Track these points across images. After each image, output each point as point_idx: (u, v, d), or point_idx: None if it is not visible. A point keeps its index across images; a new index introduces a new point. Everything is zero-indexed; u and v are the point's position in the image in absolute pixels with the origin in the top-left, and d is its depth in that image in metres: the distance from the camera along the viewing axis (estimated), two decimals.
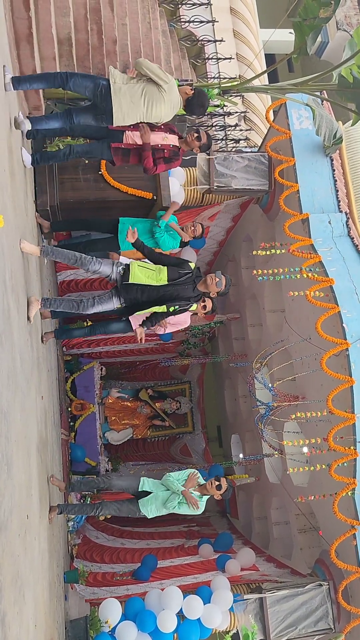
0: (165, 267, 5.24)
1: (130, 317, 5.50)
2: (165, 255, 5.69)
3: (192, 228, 6.40)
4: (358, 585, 5.81)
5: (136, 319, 5.46)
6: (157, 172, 5.69)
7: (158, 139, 5.41)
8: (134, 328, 5.48)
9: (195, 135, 5.46)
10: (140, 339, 5.39)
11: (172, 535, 9.43)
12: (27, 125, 4.83)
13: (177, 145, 5.51)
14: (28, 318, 4.40)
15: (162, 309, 5.26)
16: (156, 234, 6.07)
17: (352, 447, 5.60)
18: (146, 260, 5.37)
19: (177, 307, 5.28)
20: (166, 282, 5.19)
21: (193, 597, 5.75)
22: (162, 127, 5.40)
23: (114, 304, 5.22)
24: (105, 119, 5.04)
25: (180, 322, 5.64)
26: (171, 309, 5.26)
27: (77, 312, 5.19)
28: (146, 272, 5.18)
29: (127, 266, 5.21)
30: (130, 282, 5.13)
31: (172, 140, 5.46)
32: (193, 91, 5.25)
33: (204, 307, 5.37)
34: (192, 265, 5.40)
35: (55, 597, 5.00)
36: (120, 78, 4.93)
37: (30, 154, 5.03)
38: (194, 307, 5.39)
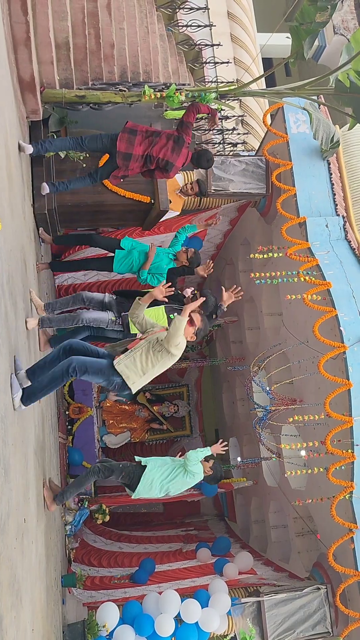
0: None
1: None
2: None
3: (185, 254, 6.20)
4: (356, 589, 5.81)
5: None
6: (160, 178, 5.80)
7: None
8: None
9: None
10: None
11: (170, 539, 9.42)
12: (30, 149, 4.95)
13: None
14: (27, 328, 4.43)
15: (160, 315, 5.31)
16: (142, 277, 6.09)
17: (349, 450, 5.61)
18: None
19: (175, 314, 5.31)
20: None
21: (191, 601, 5.74)
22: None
23: (109, 316, 5.44)
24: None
25: None
26: (171, 316, 5.30)
27: (73, 324, 5.33)
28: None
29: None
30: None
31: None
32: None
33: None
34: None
35: (53, 601, 4.98)
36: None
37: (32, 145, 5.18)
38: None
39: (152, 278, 6.13)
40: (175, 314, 5.28)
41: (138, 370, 4.22)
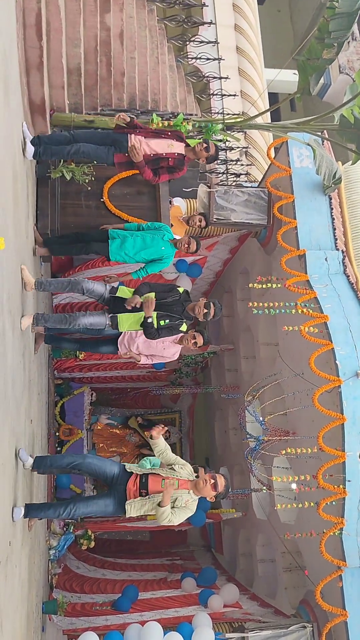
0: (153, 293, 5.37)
1: (118, 342, 5.55)
2: (153, 284, 5.75)
3: (186, 246, 5.83)
4: (342, 629, 5.69)
5: (123, 344, 5.53)
6: (159, 181, 5.79)
7: (163, 146, 5.53)
8: (119, 352, 5.56)
9: (205, 145, 5.61)
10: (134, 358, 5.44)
11: (155, 568, 9.25)
12: (30, 154, 4.97)
13: (183, 153, 5.63)
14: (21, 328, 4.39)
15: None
16: (136, 273, 5.93)
17: (341, 486, 5.56)
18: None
19: (167, 320, 5.28)
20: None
21: (173, 634, 5.62)
22: (170, 133, 5.52)
23: (106, 319, 5.28)
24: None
25: (168, 355, 5.58)
26: (162, 322, 5.27)
27: (67, 326, 5.19)
28: (132, 316, 5.31)
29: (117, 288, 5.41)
30: (117, 295, 5.32)
31: (178, 148, 5.56)
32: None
33: (195, 343, 5.34)
34: (181, 289, 5.51)
35: (33, 628, 4.86)
36: None
37: (34, 147, 5.08)
38: (184, 327, 5.38)
39: (155, 265, 5.91)
40: (167, 320, 5.26)
41: (141, 511, 4.40)
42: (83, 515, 4.41)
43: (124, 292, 5.40)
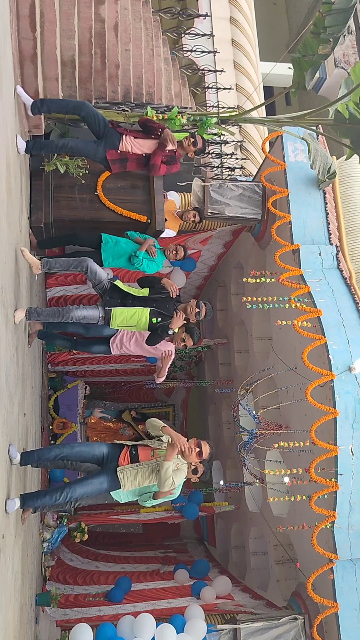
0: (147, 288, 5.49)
1: (111, 342, 5.61)
2: (151, 277, 5.82)
3: (174, 252, 6.23)
4: (334, 621, 5.75)
5: (115, 344, 5.61)
6: (159, 174, 5.84)
7: (152, 146, 5.67)
8: (112, 352, 5.67)
9: (192, 140, 5.79)
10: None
11: (148, 560, 9.30)
12: (22, 148, 4.97)
13: (173, 150, 5.74)
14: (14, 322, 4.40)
15: (144, 320, 5.30)
16: (135, 264, 6.00)
17: (333, 480, 5.59)
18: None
19: (159, 319, 5.31)
20: (147, 295, 5.42)
21: (166, 626, 5.65)
22: (159, 133, 5.61)
23: (99, 312, 5.28)
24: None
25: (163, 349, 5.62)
26: (154, 320, 5.29)
27: (61, 320, 5.17)
28: (128, 286, 5.42)
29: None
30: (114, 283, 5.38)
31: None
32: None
33: (185, 345, 5.44)
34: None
35: (26, 621, 4.88)
36: None
37: (25, 141, 5.10)
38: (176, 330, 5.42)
39: (149, 262, 6.06)
40: (159, 318, 5.29)
41: (135, 482, 4.42)
42: (80, 497, 4.37)
43: (120, 285, 5.43)
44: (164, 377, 5.69)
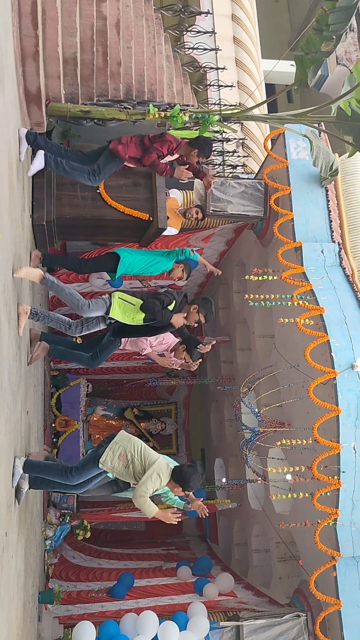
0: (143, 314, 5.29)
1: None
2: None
3: (178, 278, 6.29)
4: (336, 618, 5.75)
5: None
6: (166, 175, 5.82)
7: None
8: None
9: (196, 151, 5.64)
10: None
11: (151, 558, 9.33)
12: (24, 147, 4.94)
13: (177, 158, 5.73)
14: (19, 332, 4.40)
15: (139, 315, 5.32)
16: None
17: (335, 477, 5.59)
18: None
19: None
20: (141, 323, 5.28)
21: (169, 623, 5.66)
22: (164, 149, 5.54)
23: (106, 303, 5.29)
24: None
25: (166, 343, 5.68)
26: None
27: (66, 333, 5.23)
28: (125, 306, 5.25)
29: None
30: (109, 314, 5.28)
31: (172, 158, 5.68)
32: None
33: (184, 358, 5.69)
34: (171, 306, 5.43)
35: (29, 618, 4.89)
36: None
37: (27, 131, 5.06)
38: (171, 305, 5.43)
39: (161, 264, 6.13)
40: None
41: (114, 459, 4.75)
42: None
43: (115, 312, 5.25)
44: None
